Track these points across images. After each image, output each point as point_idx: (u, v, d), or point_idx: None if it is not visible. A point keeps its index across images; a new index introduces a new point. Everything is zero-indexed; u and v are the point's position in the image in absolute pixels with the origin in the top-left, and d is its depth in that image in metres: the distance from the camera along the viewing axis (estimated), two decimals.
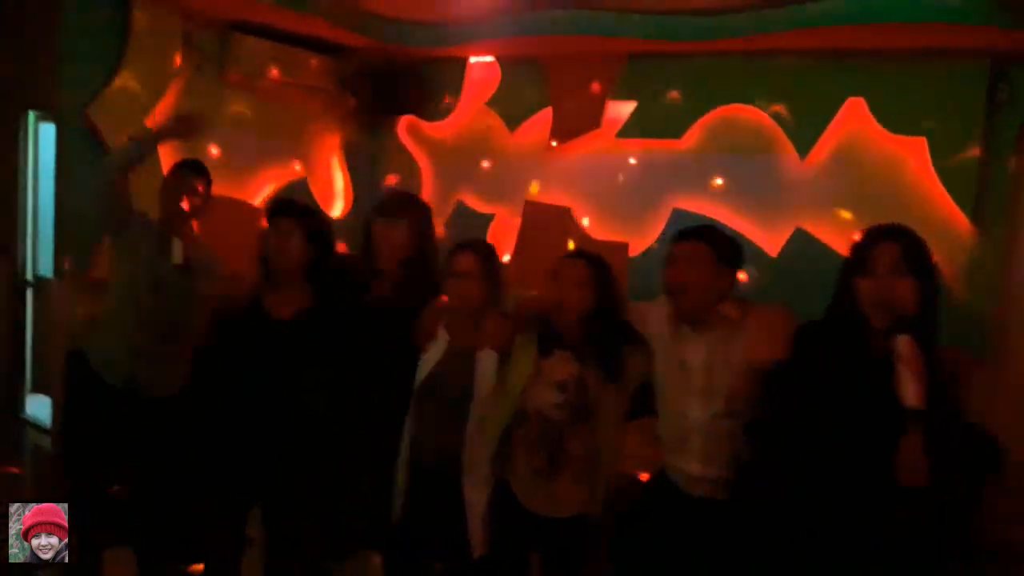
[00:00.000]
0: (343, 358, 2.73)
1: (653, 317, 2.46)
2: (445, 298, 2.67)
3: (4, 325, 5.15)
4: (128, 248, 3.07)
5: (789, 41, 3.99)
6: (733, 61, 4.33)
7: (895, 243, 1.99)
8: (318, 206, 2.95)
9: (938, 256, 3.71)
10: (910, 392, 1.84)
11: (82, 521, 3.05)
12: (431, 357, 2.65)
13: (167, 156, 3.92)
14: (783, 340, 2.18)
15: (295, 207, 2.85)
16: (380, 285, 2.88)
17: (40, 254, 5.02)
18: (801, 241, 4.10)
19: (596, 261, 2.53)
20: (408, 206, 2.95)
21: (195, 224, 3.12)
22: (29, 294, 5.14)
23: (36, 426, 4.96)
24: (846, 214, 4.06)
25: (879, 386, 1.91)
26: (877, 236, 2.04)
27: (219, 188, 4.69)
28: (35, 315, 5.17)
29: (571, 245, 4.62)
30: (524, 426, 2.48)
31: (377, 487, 2.73)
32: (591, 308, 2.45)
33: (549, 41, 4.57)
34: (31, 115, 5.03)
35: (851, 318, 2.03)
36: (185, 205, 3.01)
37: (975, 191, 3.79)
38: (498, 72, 5.19)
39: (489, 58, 5.19)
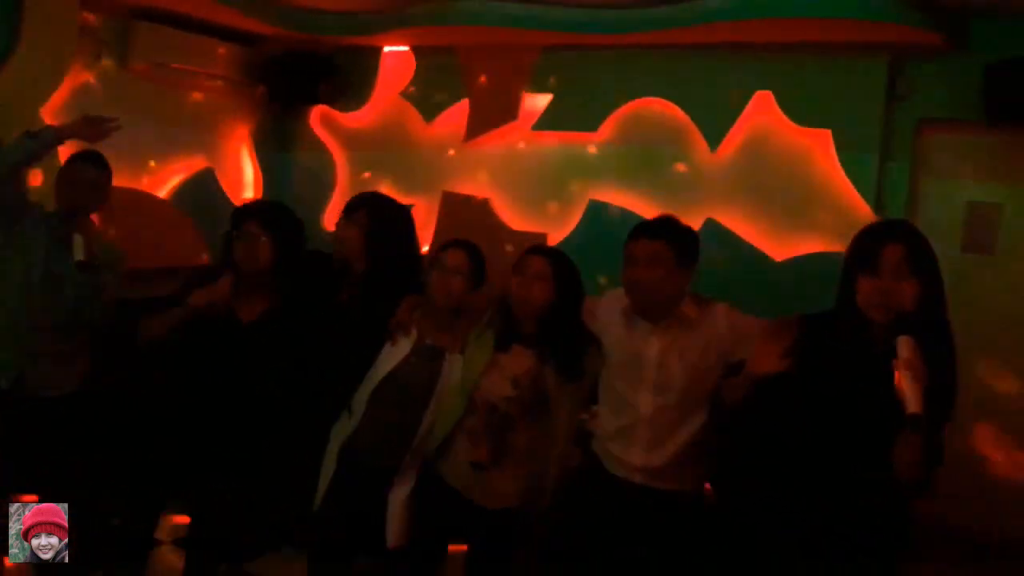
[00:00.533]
0: (301, 355, 2.66)
1: (604, 310, 2.48)
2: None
3: None
4: (23, 244, 2.92)
5: (699, 35, 4.05)
6: (646, 54, 4.38)
7: (900, 244, 1.97)
8: (282, 206, 2.81)
9: (843, 246, 3.92)
10: (909, 397, 1.80)
11: None
12: (397, 352, 2.61)
13: (64, 147, 3.76)
14: (746, 339, 2.21)
15: (261, 210, 2.74)
16: (350, 285, 2.83)
17: None
18: (712, 231, 4.18)
19: (558, 256, 2.55)
20: (364, 206, 2.85)
21: (95, 218, 2.98)
22: None
23: None
24: (755, 205, 4.16)
25: (878, 382, 1.89)
26: (882, 235, 2.03)
27: (123, 180, 4.57)
28: None
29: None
30: (471, 416, 2.48)
31: (309, 482, 2.69)
32: (551, 303, 2.46)
33: (464, 31, 4.55)
34: None
35: (853, 314, 2.01)
36: (84, 198, 2.88)
37: (876, 182, 3.93)
38: (413, 62, 5.14)
39: (404, 48, 5.13)
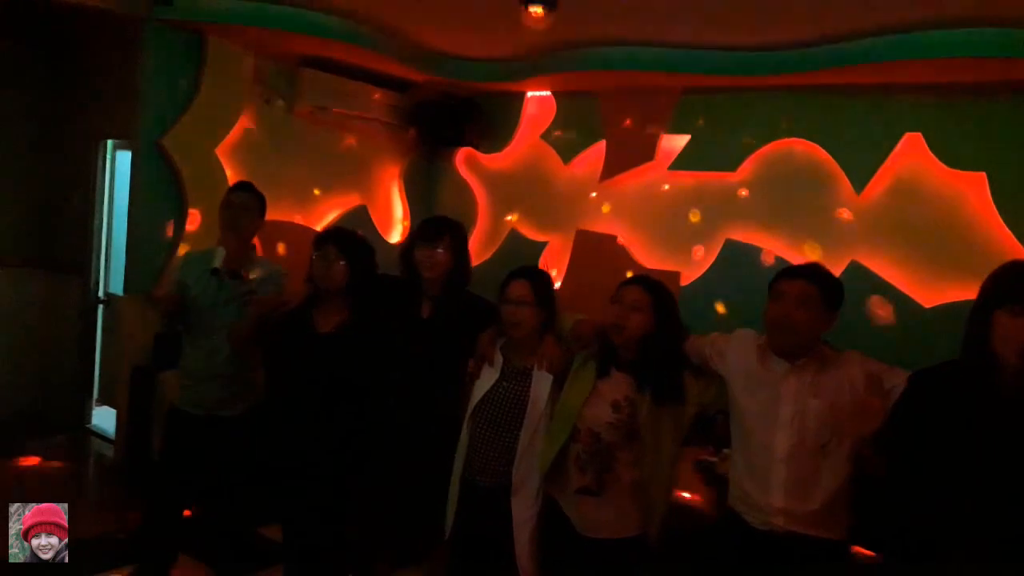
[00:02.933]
0: (370, 364, 2.87)
1: (735, 350, 2.46)
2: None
3: (76, 340, 5.38)
4: (194, 287, 3.15)
5: (844, 76, 4.02)
6: (788, 96, 4.38)
7: None
8: (356, 233, 3.07)
9: None
10: None
11: (154, 535, 3.17)
12: (487, 379, 2.72)
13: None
14: (878, 384, 2.15)
15: (339, 236, 2.98)
16: (426, 305, 3.06)
17: (112, 273, 5.26)
18: (856, 274, 4.08)
19: (655, 287, 2.58)
20: (448, 232, 3.07)
21: (249, 238, 3.14)
22: (100, 310, 5.37)
23: (101, 436, 5.16)
24: (903, 248, 4.04)
25: (1012, 428, 1.78)
26: None
27: (286, 214, 4.92)
28: (104, 331, 5.39)
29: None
30: (576, 444, 2.52)
31: (429, 502, 2.80)
32: (649, 332, 2.50)
33: (603, 76, 4.67)
34: (109, 143, 5.30)
35: (985, 357, 1.87)
36: (237, 218, 3.08)
37: None
38: (553, 106, 5.31)
39: (545, 92, 5.31)
